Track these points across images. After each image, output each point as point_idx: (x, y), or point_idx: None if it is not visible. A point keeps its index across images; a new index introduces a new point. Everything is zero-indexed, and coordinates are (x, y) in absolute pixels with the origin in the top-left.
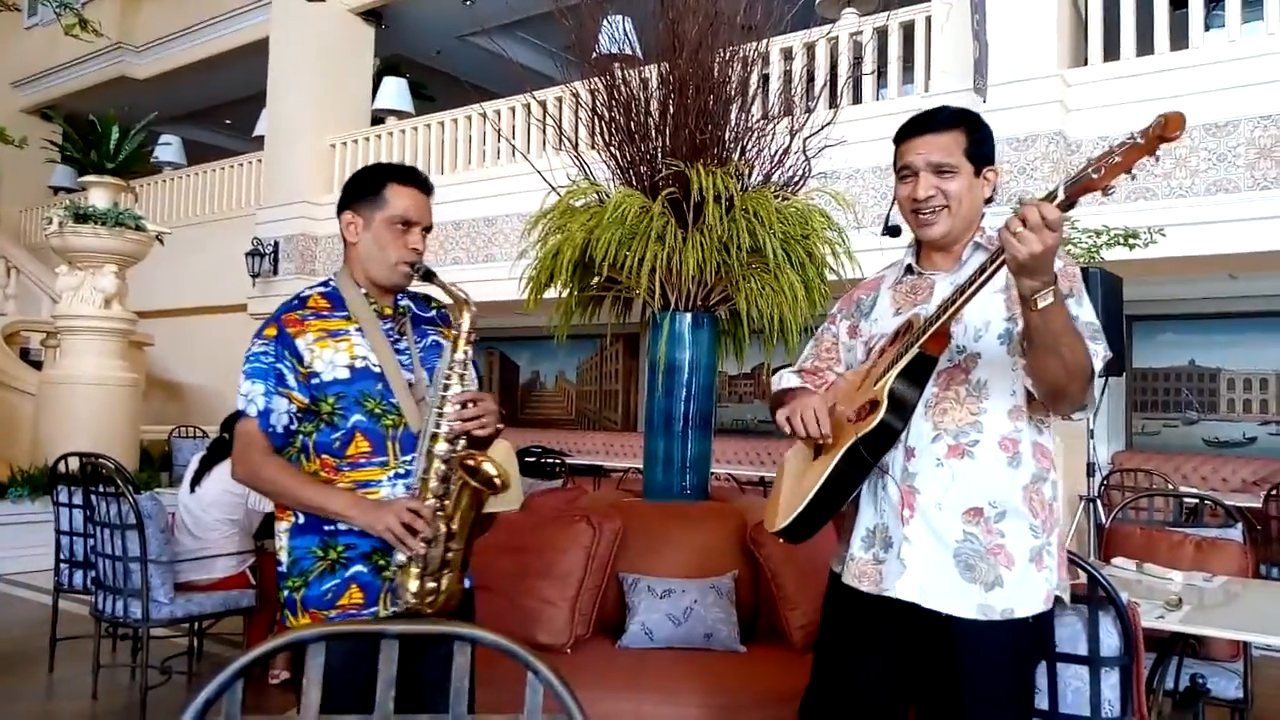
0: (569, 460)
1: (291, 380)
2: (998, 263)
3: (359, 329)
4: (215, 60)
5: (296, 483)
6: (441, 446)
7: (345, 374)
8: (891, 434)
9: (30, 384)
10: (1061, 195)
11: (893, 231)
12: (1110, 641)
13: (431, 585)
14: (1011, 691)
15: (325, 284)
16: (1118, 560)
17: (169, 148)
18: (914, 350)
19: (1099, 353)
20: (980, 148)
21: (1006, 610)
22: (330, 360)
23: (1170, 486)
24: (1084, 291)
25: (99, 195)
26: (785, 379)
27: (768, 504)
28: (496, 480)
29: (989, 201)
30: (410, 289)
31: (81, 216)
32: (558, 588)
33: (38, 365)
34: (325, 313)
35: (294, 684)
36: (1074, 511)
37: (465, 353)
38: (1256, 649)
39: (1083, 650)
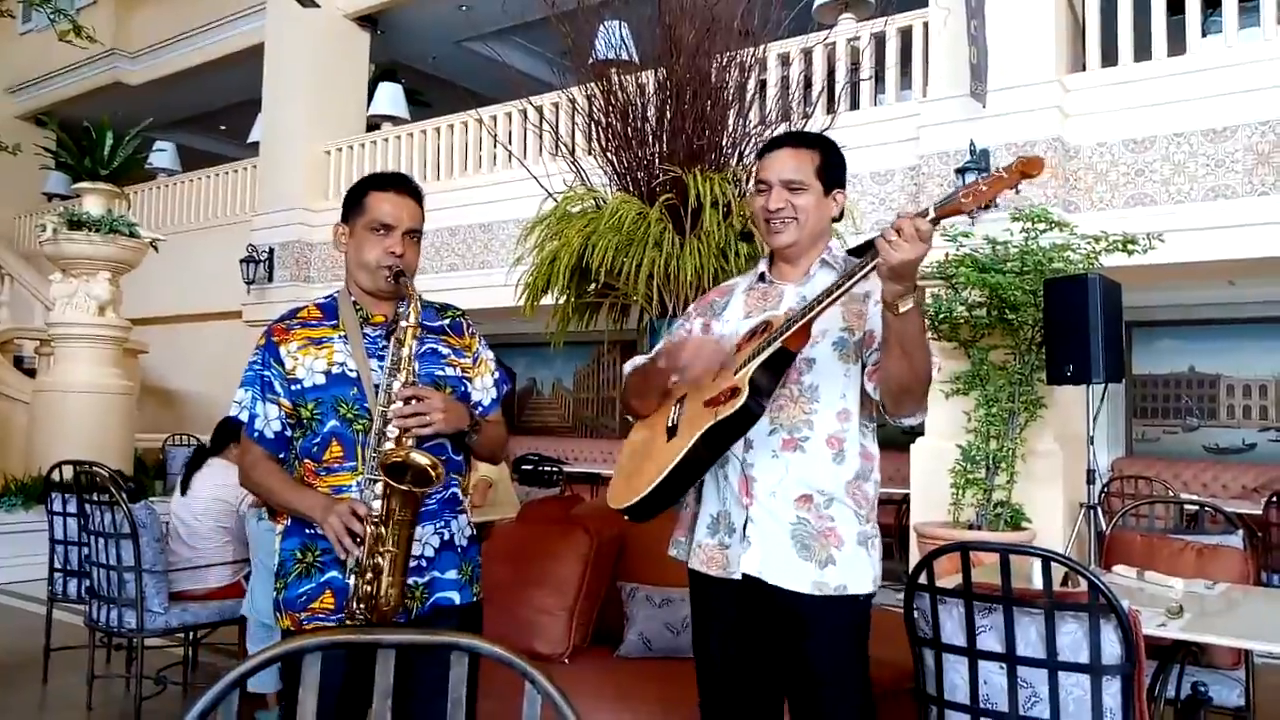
0: (566, 468)
1: (278, 386)
2: (867, 269)
3: (343, 336)
4: (210, 66)
5: (276, 484)
6: (388, 446)
7: (322, 379)
8: (750, 418)
9: (24, 392)
10: (933, 214)
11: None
12: (1111, 650)
13: (365, 590)
14: (854, 661)
15: (328, 297)
16: (1118, 568)
17: (163, 154)
18: (776, 344)
19: (937, 364)
20: (831, 171)
21: (840, 586)
22: (310, 366)
23: (1170, 493)
24: None
25: (93, 202)
26: (638, 361)
27: (613, 482)
28: (431, 472)
29: (838, 220)
30: (424, 299)
31: (75, 223)
32: (555, 597)
33: (31, 373)
34: (314, 322)
35: (281, 694)
36: (1074, 519)
37: (411, 348)
38: (1258, 657)
39: (1084, 658)
